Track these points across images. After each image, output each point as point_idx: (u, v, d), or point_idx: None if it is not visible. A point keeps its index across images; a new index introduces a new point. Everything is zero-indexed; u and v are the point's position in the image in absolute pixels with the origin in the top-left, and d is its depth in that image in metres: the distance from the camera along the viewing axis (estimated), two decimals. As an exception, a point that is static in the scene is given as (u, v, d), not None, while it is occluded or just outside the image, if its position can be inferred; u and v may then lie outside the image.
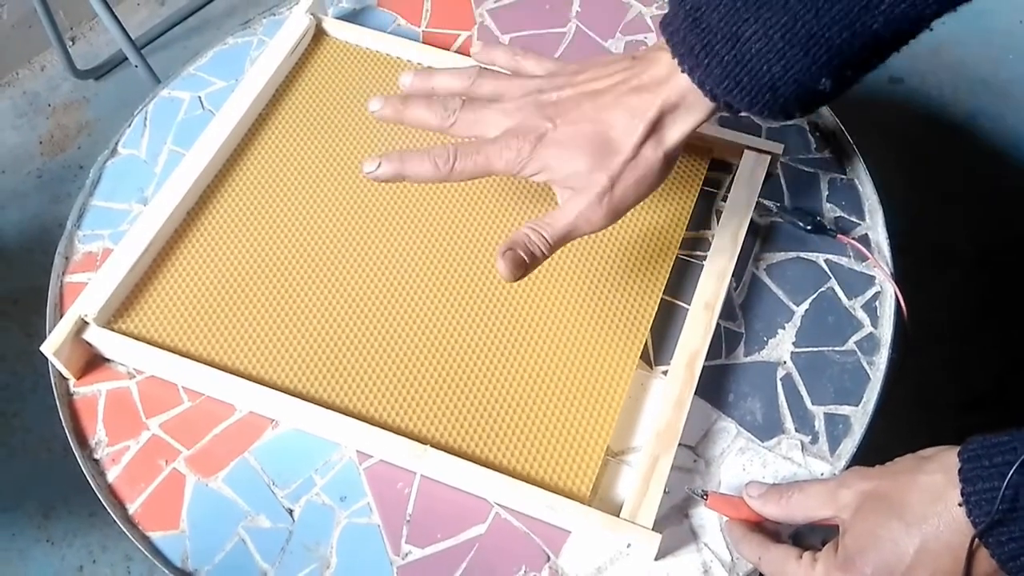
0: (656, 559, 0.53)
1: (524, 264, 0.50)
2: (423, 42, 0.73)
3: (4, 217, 1.40)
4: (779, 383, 0.59)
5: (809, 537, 0.52)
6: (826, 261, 0.63)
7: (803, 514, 0.49)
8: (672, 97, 0.50)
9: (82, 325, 0.58)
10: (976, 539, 0.41)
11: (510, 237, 0.51)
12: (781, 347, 0.60)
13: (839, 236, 0.63)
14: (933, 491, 0.43)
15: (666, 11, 0.50)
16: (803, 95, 0.47)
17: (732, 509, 0.53)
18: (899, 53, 0.48)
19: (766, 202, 0.64)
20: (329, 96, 0.70)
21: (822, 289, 0.62)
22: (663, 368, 0.59)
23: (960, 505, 0.42)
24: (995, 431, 0.43)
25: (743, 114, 0.50)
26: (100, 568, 1.13)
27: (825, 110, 0.69)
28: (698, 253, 0.63)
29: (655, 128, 0.50)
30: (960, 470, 0.43)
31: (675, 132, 0.51)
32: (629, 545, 0.53)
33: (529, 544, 0.54)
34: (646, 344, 0.59)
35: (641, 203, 0.63)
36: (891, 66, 0.48)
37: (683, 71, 0.49)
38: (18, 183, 1.43)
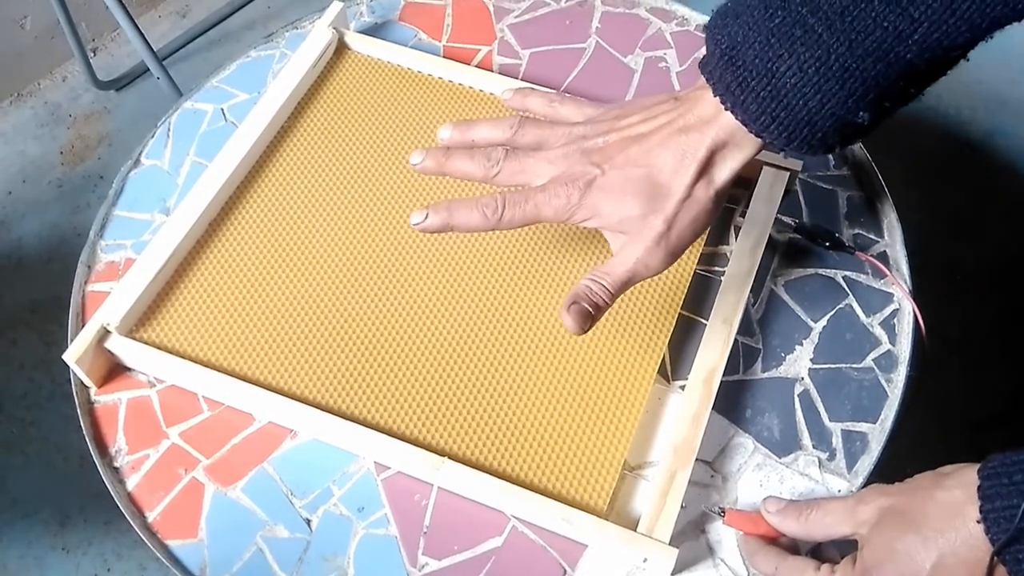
0: (673, 574, 0.53)
1: (590, 316, 0.50)
2: (444, 56, 0.74)
3: (24, 226, 1.41)
4: (796, 399, 0.59)
5: (828, 550, 0.52)
6: (844, 278, 0.63)
7: (822, 532, 0.49)
8: (721, 135, 0.49)
9: (104, 334, 0.59)
10: (994, 556, 0.42)
11: (572, 290, 0.50)
12: (799, 363, 0.60)
13: (857, 253, 0.63)
14: (951, 507, 0.43)
15: (703, 51, 0.50)
16: (841, 128, 0.47)
17: (750, 525, 0.53)
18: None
19: (784, 218, 0.64)
20: (351, 109, 0.70)
21: (840, 306, 0.62)
22: (681, 383, 0.59)
23: (978, 522, 0.42)
24: (1014, 448, 0.43)
25: (786, 150, 0.49)
26: (114, 576, 1.14)
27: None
28: (716, 268, 0.63)
29: (705, 167, 0.50)
30: (979, 487, 0.43)
31: (725, 170, 0.50)
32: (646, 560, 0.53)
33: (546, 557, 0.54)
34: (664, 359, 0.59)
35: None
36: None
37: (726, 109, 0.48)
38: (38, 193, 1.44)
